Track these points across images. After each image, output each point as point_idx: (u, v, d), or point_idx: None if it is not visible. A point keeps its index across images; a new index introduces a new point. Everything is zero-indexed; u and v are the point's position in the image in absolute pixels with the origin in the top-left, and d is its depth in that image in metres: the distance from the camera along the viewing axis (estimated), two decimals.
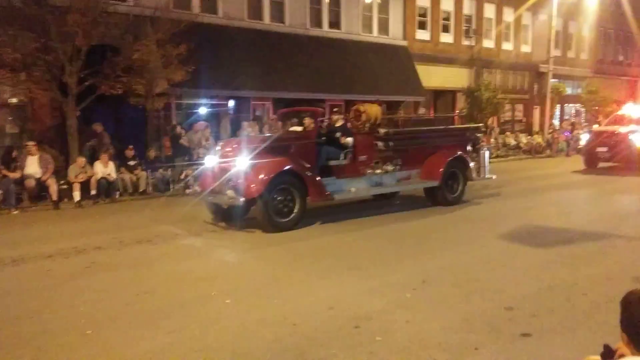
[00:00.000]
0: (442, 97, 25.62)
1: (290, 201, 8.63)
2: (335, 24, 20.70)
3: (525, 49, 28.92)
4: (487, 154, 11.75)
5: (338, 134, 9.69)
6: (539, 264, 6.41)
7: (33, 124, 14.04)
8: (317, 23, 20.17)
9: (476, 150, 11.48)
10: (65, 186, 11.79)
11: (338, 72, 19.50)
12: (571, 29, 31.68)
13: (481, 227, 8.66)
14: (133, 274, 6.38)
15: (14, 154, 11.97)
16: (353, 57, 20.57)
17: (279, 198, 8.50)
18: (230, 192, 8.50)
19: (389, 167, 10.04)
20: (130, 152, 13.10)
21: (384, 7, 22.35)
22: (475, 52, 25.95)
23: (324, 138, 9.56)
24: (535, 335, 4.32)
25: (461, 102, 24.95)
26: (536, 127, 28.47)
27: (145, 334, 4.52)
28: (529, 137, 25.51)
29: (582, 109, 31.97)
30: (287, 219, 8.57)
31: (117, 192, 12.37)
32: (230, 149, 9.00)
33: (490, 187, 12.77)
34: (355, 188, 9.62)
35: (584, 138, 17.69)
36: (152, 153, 13.88)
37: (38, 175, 11.47)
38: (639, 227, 8.44)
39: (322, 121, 10.42)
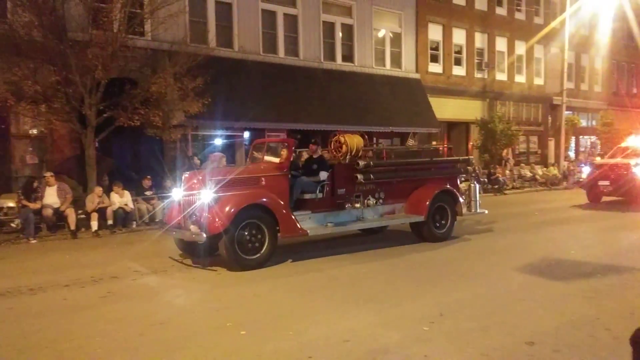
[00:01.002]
0: (456, 128, 25.71)
1: (259, 237, 8.13)
2: (348, 57, 21.00)
3: (538, 81, 29.03)
4: (477, 187, 11.26)
5: (315, 166, 9.26)
6: (559, 298, 6.29)
7: (52, 154, 14.28)
8: (331, 57, 20.47)
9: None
10: (83, 216, 11.91)
11: (351, 104, 19.69)
12: (584, 62, 31.80)
13: (495, 260, 8.54)
14: (148, 304, 6.37)
15: (35, 184, 12.15)
16: (366, 89, 20.77)
17: (246, 234, 8.00)
18: (193, 228, 8.04)
19: (371, 201, 9.58)
20: (147, 182, 13.25)
21: (396, 41, 22.66)
22: (488, 85, 26.09)
23: (300, 170, 9.29)
24: None
25: (475, 134, 24.99)
26: (551, 159, 28.34)
27: None
28: (545, 169, 25.38)
29: (598, 141, 31.82)
30: (255, 257, 8.06)
31: (134, 222, 12.47)
32: (196, 181, 8.45)
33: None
34: (333, 223, 9.13)
35: (585, 171, 17.04)
36: (168, 183, 14.00)
37: (56, 206, 11.62)
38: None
39: (299, 152, 10.17)
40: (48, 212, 11.45)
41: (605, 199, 16.34)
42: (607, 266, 7.88)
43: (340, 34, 20.77)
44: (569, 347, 4.71)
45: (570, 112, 28.74)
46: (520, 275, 7.50)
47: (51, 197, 11.71)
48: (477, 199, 11.03)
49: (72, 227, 11.44)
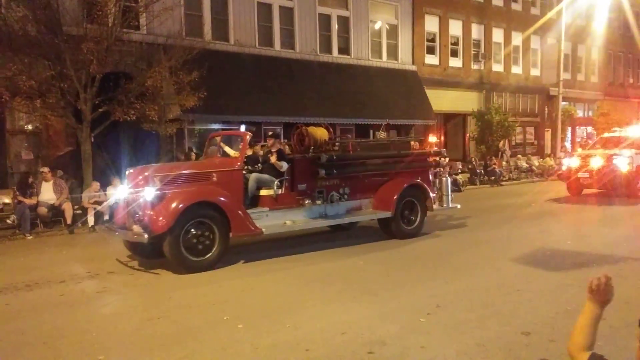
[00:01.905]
0: (453, 120, 25.71)
1: (208, 237, 7.63)
2: (344, 49, 20.94)
3: (535, 72, 29.01)
4: (449, 181, 10.86)
5: (272, 160, 8.82)
6: (555, 288, 6.31)
7: (48, 150, 14.23)
8: (327, 49, 20.41)
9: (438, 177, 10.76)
10: (79, 211, 11.88)
11: (348, 96, 19.65)
12: (580, 52, 31.77)
13: (493, 251, 8.56)
14: (145, 299, 6.37)
15: (30, 180, 12.12)
16: (363, 82, 20.74)
17: (194, 233, 7.51)
18: (135, 228, 7.51)
19: (335, 197, 9.12)
20: None
21: (392, 33, 22.60)
22: (485, 76, 26.07)
23: (258, 165, 8.89)
24: None
25: (472, 125, 25.00)
26: (548, 150, 28.37)
27: (157, 359, 4.49)
28: (541, 159, 25.41)
29: (594, 132, 31.87)
30: (204, 258, 7.56)
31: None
32: (141, 177, 7.85)
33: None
34: (292, 221, 8.62)
35: (566, 163, 16.19)
36: None
37: (52, 201, 11.59)
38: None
39: (261, 145, 9.73)
40: (43, 210, 11.42)
41: (586, 191, 15.92)
42: (604, 256, 7.91)
43: (337, 26, 20.70)
44: (565, 336, 4.69)
45: (567, 102, 28.74)
46: (516, 265, 7.52)
47: (47, 192, 11.68)
48: (449, 193, 10.69)
49: (69, 221, 11.42)
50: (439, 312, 5.50)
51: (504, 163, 23.05)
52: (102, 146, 14.07)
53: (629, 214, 12.82)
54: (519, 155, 25.71)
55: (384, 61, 22.19)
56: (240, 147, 8.68)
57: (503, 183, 21.15)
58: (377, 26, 22.15)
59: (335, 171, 9.02)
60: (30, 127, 14.36)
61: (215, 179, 8.10)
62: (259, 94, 17.07)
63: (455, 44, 25.25)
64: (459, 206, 11.12)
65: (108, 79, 12.86)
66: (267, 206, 8.51)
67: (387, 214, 9.49)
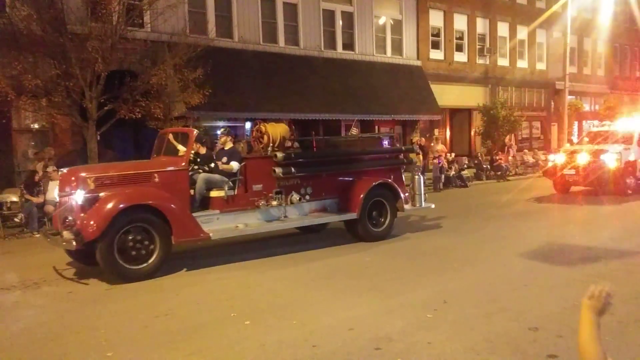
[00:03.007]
0: (458, 115, 25.61)
1: (146, 244, 7.07)
2: (349, 45, 20.88)
3: (540, 66, 28.83)
4: (422, 179, 10.22)
5: (224, 159, 8.27)
6: (563, 283, 6.28)
7: (54, 148, 14.28)
8: (331, 45, 20.35)
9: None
10: None
11: (353, 92, 19.61)
12: (586, 46, 31.55)
13: (500, 246, 8.53)
14: (152, 296, 6.39)
15: (37, 177, 12.16)
16: (367, 77, 20.68)
17: (130, 239, 6.96)
18: (65, 234, 6.97)
19: (295, 198, 8.58)
20: None
21: (397, 28, 22.51)
22: (490, 71, 25.94)
23: (211, 164, 8.33)
24: (562, 357, 4.22)
25: (477, 120, 24.91)
26: (554, 144, 28.22)
27: (165, 356, 4.50)
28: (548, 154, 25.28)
29: None
30: (142, 266, 7.00)
31: None
32: (74, 178, 7.25)
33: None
34: (244, 224, 8.12)
35: (552, 159, 15.43)
36: None
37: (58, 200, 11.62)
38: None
39: (212, 143, 9.17)
40: (49, 208, 11.46)
41: (574, 188, 15.22)
42: (612, 251, 7.87)
43: (341, 22, 20.63)
44: (572, 332, 4.70)
45: (573, 96, 28.55)
46: (524, 260, 7.49)
47: (54, 191, 11.70)
48: (422, 192, 10.06)
49: None
50: (445, 307, 5.49)
51: (510, 158, 22.94)
52: (108, 144, 14.11)
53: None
54: (526, 150, 25.58)
55: (389, 56, 22.11)
56: (199, 145, 8.32)
57: (509, 178, 21.07)
58: (381, 21, 22.07)
59: (294, 170, 8.48)
60: (36, 125, 14.41)
61: (157, 179, 7.52)
62: (263, 90, 17.06)
63: (460, 38, 25.12)
64: (432, 206, 10.39)
65: (113, 77, 12.87)
66: (218, 208, 7.96)
67: (352, 216, 8.96)
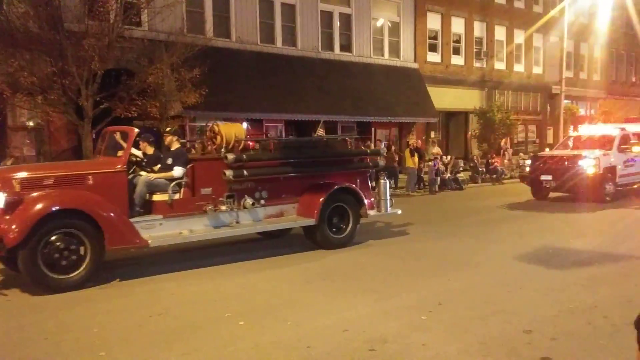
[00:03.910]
0: (454, 118, 25.68)
1: (75, 251, 6.57)
2: (346, 47, 20.90)
3: (537, 70, 28.95)
4: (387, 184, 9.60)
5: (170, 160, 7.78)
6: (558, 286, 6.29)
7: (49, 146, 14.24)
8: (329, 46, 20.37)
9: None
10: None
11: (349, 94, 19.63)
12: (583, 51, 31.69)
13: (496, 249, 8.55)
14: (147, 295, 6.36)
15: None
16: (364, 79, 20.70)
17: (56, 247, 6.44)
18: None
19: (248, 202, 8.03)
20: None
21: (394, 30, 22.54)
22: (487, 74, 26.02)
23: (157, 166, 7.83)
24: (555, 359, 4.22)
25: (474, 123, 24.98)
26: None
27: (159, 356, 4.48)
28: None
29: None
30: (69, 276, 6.51)
31: None
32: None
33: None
34: (189, 230, 7.59)
35: (529, 164, 14.89)
36: None
37: None
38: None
39: (154, 142, 8.42)
40: None
41: (552, 194, 14.62)
42: (606, 255, 7.89)
43: (338, 24, 20.66)
44: (566, 334, 4.72)
45: (569, 101, 28.66)
46: (519, 264, 7.50)
47: None
48: (388, 197, 9.48)
49: None
50: (440, 309, 5.49)
51: (505, 161, 22.99)
52: None
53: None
54: (521, 154, 25.65)
55: (386, 59, 22.15)
56: (147, 145, 7.94)
57: (505, 181, 21.11)
58: (379, 23, 22.11)
59: (246, 173, 7.98)
60: (32, 123, 14.35)
61: (91, 182, 7.01)
62: (260, 91, 17.05)
63: (458, 41, 25.19)
64: (399, 212, 9.83)
65: (109, 76, 12.84)
66: (161, 213, 7.42)
67: (310, 222, 8.44)
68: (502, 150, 23.43)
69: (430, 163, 18.26)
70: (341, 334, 4.86)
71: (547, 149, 17.52)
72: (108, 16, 12.39)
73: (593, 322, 5.01)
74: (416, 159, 17.57)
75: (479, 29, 25.95)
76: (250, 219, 8.27)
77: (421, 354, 4.37)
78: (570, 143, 15.86)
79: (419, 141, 20.36)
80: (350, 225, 8.93)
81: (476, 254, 8.19)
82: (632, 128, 15.37)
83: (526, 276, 6.81)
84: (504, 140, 24.03)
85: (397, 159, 18.39)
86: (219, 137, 8.33)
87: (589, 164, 13.37)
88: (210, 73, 14.20)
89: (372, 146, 18.42)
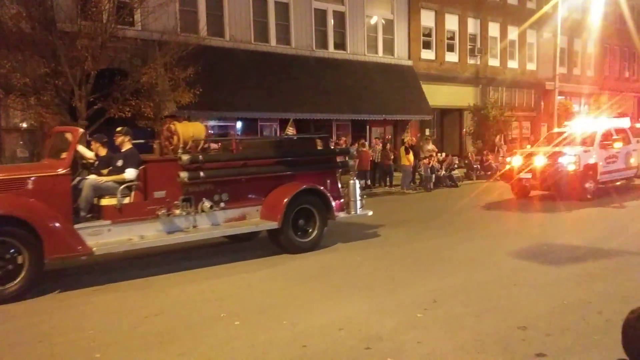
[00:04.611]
0: (449, 115, 25.72)
1: (11, 261, 6.19)
2: (340, 45, 20.90)
3: (531, 66, 29.01)
4: (357, 184, 9.23)
5: (120, 162, 7.37)
6: (552, 282, 6.32)
7: (43, 147, 14.17)
8: (323, 44, 20.36)
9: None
10: None
11: (344, 92, 19.63)
12: (576, 46, 31.77)
13: (491, 245, 8.57)
14: (142, 296, 6.35)
15: None
16: (359, 77, 20.70)
17: None
18: None
19: (206, 205, 7.61)
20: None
21: (388, 28, 22.55)
22: (481, 71, 26.06)
23: (111, 168, 7.42)
24: (550, 356, 4.24)
25: (468, 120, 25.02)
26: None
27: (154, 356, 4.48)
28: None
29: None
30: (6, 287, 6.13)
31: None
32: None
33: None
34: (140, 236, 7.13)
35: (509, 161, 14.45)
36: None
37: None
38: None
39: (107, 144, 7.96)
40: None
41: (533, 193, 14.30)
42: (599, 250, 7.93)
43: (332, 22, 20.65)
44: (561, 330, 4.75)
45: (563, 97, 28.74)
46: (514, 260, 7.53)
47: None
48: (358, 198, 9.09)
49: None
50: (436, 307, 5.51)
51: (500, 158, 23.03)
52: None
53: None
54: (515, 150, 25.71)
55: (380, 56, 22.15)
56: (99, 146, 7.63)
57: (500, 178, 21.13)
58: (373, 21, 22.11)
59: (203, 175, 7.58)
60: (25, 124, 14.28)
61: (30, 186, 6.58)
62: (254, 90, 17.03)
63: (452, 38, 25.21)
64: (370, 213, 9.45)
65: (103, 76, 12.79)
66: (110, 219, 6.98)
67: (273, 225, 8.05)
68: (496, 147, 23.48)
69: (425, 160, 18.27)
70: (337, 332, 4.86)
71: (528, 146, 16.94)
72: (101, 16, 12.34)
73: (587, 318, 5.04)
74: (411, 156, 17.58)
75: (472, 25, 25.99)
76: (208, 223, 7.84)
77: (417, 352, 4.39)
78: (552, 139, 15.14)
79: (414, 138, 20.38)
80: (316, 228, 8.53)
81: (470, 251, 8.22)
82: (615, 124, 14.98)
83: (520, 272, 6.84)
84: (498, 137, 24.09)
85: (392, 156, 18.40)
86: (175, 137, 7.90)
87: (569, 161, 13.01)
88: (204, 72, 14.17)
89: (366, 145, 18.45)
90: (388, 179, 18.15)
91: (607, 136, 14.02)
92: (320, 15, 20.28)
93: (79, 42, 11.75)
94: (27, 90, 11.94)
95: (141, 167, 7.39)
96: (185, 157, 7.43)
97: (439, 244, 8.93)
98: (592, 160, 13.44)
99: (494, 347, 4.43)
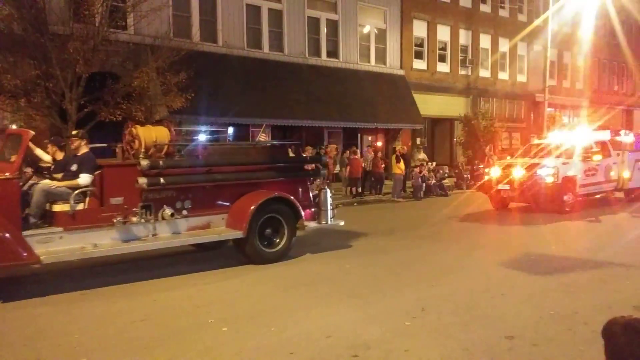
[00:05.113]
0: (440, 125, 25.89)
1: None
2: (333, 53, 20.99)
3: (521, 78, 29.29)
4: (329, 193, 8.92)
5: (74, 167, 7.09)
6: (540, 292, 6.36)
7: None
8: (316, 52, 20.45)
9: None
10: None
11: (336, 99, 19.71)
12: (566, 59, 32.12)
13: (479, 255, 8.61)
14: (129, 301, 6.30)
15: None
16: (351, 85, 20.79)
17: None
18: None
19: (167, 213, 7.29)
20: None
21: (381, 37, 22.69)
22: (472, 82, 26.28)
23: (64, 173, 7.13)
24: None
25: (459, 130, 25.19)
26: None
27: None
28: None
29: None
30: None
31: None
32: None
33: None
34: (94, 244, 6.81)
35: (491, 173, 14.16)
36: None
37: None
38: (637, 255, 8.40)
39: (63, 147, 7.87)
40: None
41: (512, 205, 14.19)
42: (587, 261, 7.98)
43: (325, 30, 20.75)
44: (547, 340, 4.77)
45: (552, 109, 29.01)
46: (502, 269, 7.56)
47: None
48: (329, 207, 8.79)
49: None
50: (424, 315, 5.52)
51: (479, 168, 23.17)
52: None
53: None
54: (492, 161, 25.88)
55: (373, 65, 22.27)
56: (55, 150, 7.44)
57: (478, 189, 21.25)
58: (365, 30, 22.24)
59: (163, 181, 7.23)
60: (14, 126, 14.16)
61: None
62: (247, 96, 17.04)
63: (443, 49, 25.42)
64: (341, 223, 9.16)
65: (94, 79, 12.75)
66: (62, 226, 6.65)
67: (238, 234, 7.75)
68: (486, 157, 23.63)
69: (416, 169, 18.34)
70: (324, 340, 4.86)
71: (508, 157, 16.73)
72: (93, 19, 12.33)
73: (573, 328, 5.07)
74: (402, 165, 17.65)
75: (464, 37, 26.22)
76: (169, 231, 7.50)
77: None
78: (532, 151, 14.98)
79: (405, 147, 20.47)
80: (285, 238, 8.23)
81: (458, 260, 8.25)
82: (595, 136, 14.68)
83: (508, 282, 6.87)
84: (488, 147, 24.25)
85: (383, 165, 18.46)
86: (137, 142, 7.60)
87: (547, 173, 12.81)
88: (197, 77, 14.16)
89: (358, 152, 18.50)
90: (379, 187, 18.20)
91: (586, 149, 13.81)
92: (314, 23, 20.38)
93: (71, 44, 11.71)
94: (17, 92, 11.87)
95: (97, 172, 7.07)
96: (144, 163, 7.10)
97: (427, 252, 8.95)
98: (571, 173, 13.21)
99: (481, 356, 4.44)
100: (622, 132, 15.79)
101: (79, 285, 6.92)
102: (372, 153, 18.54)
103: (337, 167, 19.03)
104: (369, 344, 4.73)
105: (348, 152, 18.09)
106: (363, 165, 17.84)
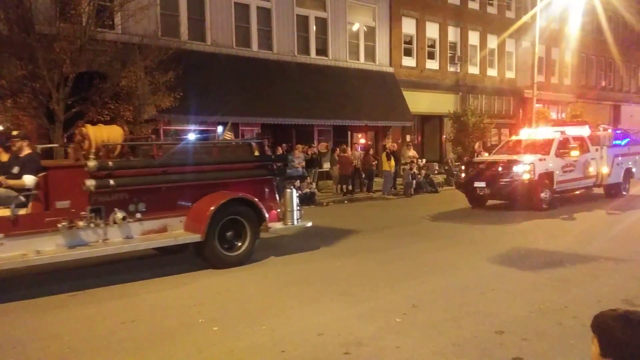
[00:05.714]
0: (429, 122, 25.98)
1: None
2: (322, 51, 20.98)
3: (510, 74, 29.46)
4: (294, 193, 8.61)
5: (16, 169, 6.68)
6: (529, 287, 6.40)
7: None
8: (305, 50, 20.42)
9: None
10: None
11: (325, 98, 19.69)
12: (554, 56, 32.35)
13: (469, 251, 8.65)
14: (118, 302, 6.27)
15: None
16: (340, 83, 20.79)
17: None
18: None
19: (118, 217, 6.90)
20: None
21: (370, 35, 22.70)
22: (461, 78, 26.39)
23: (6, 175, 6.74)
24: (527, 359, 4.29)
25: (448, 127, 25.28)
26: None
27: None
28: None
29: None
30: None
31: None
32: None
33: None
34: (37, 251, 6.39)
35: (464, 170, 14.07)
36: None
37: None
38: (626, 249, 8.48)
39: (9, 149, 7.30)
40: None
41: (490, 202, 13.83)
42: (576, 255, 8.05)
43: (314, 28, 20.73)
44: (537, 335, 4.80)
45: (541, 104, 29.19)
46: (492, 265, 7.61)
47: None
48: (295, 208, 8.46)
49: None
50: (415, 312, 5.53)
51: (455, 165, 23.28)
52: None
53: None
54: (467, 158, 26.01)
55: (362, 63, 22.29)
56: (2, 151, 7.12)
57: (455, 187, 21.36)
58: (354, 28, 22.25)
59: (112, 183, 6.87)
60: (1, 127, 14.02)
61: None
62: (236, 94, 16.98)
63: (432, 46, 25.51)
64: (309, 224, 8.89)
65: (81, 79, 12.62)
66: (2, 232, 6.25)
67: (196, 237, 7.42)
68: (475, 154, 23.73)
69: (406, 166, 18.39)
70: (316, 337, 4.86)
71: (485, 154, 16.43)
72: (80, 19, 12.20)
73: (563, 323, 5.10)
74: (392, 162, 17.68)
75: (453, 34, 26.32)
76: (121, 236, 7.11)
77: (395, 357, 4.40)
78: (509, 147, 14.90)
79: (395, 145, 20.52)
80: (247, 241, 7.91)
81: (449, 256, 8.28)
82: (572, 132, 14.61)
83: (498, 278, 6.91)
84: (477, 144, 24.36)
85: (374, 162, 18.48)
86: (87, 142, 7.24)
87: (523, 170, 12.58)
88: (185, 76, 14.10)
89: (351, 149, 18.51)
90: (369, 184, 18.23)
91: (564, 144, 13.64)
92: (302, 21, 20.35)
93: (58, 44, 11.59)
94: (3, 92, 11.76)
95: (41, 175, 6.68)
96: (92, 164, 6.72)
97: (418, 249, 8.98)
98: (548, 169, 13.04)
99: (472, 351, 4.47)
100: (601, 127, 15.75)
101: (67, 287, 6.87)
102: (362, 150, 18.57)
103: (327, 165, 19.05)
104: (361, 341, 4.74)
105: (338, 149, 18.10)
106: (354, 163, 17.86)
